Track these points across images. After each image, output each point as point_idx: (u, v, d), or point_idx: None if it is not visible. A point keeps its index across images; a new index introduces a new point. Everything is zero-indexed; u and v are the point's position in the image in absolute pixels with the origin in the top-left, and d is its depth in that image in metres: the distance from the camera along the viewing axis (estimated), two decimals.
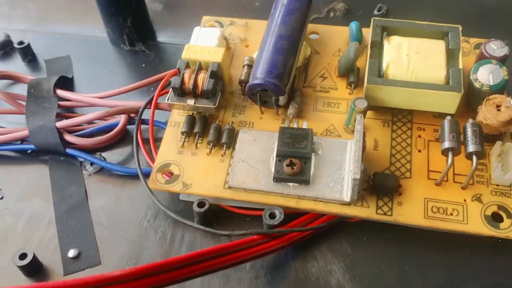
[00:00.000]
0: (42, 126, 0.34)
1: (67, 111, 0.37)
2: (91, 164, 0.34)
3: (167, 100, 0.32)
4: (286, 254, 0.30)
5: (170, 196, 0.32)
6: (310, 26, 0.36)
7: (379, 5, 0.41)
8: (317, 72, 0.35)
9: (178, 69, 0.32)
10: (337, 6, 0.41)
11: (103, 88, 0.39)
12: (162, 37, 0.43)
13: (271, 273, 0.29)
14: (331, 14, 0.41)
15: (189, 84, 0.31)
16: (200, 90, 0.31)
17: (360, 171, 0.27)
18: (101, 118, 0.33)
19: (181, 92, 0.31)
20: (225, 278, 0.29)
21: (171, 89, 0.32)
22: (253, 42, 0.36)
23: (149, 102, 0.34)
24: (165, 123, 0.34)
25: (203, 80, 0.31)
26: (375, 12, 0.41)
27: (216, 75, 0.32)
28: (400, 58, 0.31)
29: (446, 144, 0.28)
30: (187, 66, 0.32)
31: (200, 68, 0.32)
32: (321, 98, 0.33)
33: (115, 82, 0.40)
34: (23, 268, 0.29)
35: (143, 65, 0.40)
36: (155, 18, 0.43)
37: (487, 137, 0.30)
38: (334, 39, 0.36)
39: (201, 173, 0.30)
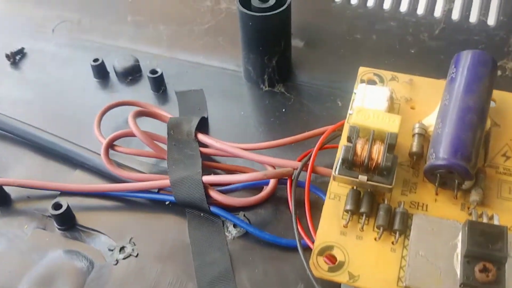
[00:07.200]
0: (186, 178, 0.31)
1: (204, 158, 0.34)
2: (234, 226, 0.31)
3: (335, 172, 0.28)
4: None
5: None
6: None
7: None
8: (498, 149, 0.30)
9: (349, 137, 0.28)
10: (507, 65, 0.36)
11: (238, 132, 0.36)
12: (301, 77, 0.39)
13: None
14: (499, 72, 0.36)
15: (362, 156, 0.27)
16: (374, 165, 0.27)
17: None
18: (257, 180, 0.30)
19: (352, 165, 0.28)
20: None
21: (339, 160, 0.28)
22: (420, 104, 0.32)
23: (305, 164, 0.30)
24: (320, 190, 0.31)
25: (379, 154, 0.27)
26: None
27: (393, 148, 0.28)
28: None
29: None
30: (359, 134, 0.28)
31: (374, 138, 0.28)
32: (505, 183, 0.29)
33: (253, 127, 0.37)
34: None
35: (283, 109, 0.37)
36: (295, 56, 0.40)
37: None
38: None
39: (369, 263, 0.26)
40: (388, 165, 0.27)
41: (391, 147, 0.27)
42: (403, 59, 0.38)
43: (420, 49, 0.39)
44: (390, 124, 0.28)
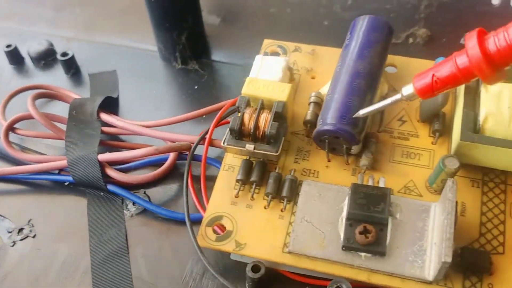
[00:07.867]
0: (82, 157, 0.30)
1: (110, 138, 0.34)
2: (134, 203, 0.30)
3: (223, 143, 0.28)
4: None
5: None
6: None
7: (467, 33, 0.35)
8: (394, 114, 0.30)
9: (238, 107, 0.28)
10: (418, 32, 0.36)
11: (150, 111, 0.36)
12: (217, 55, 0.39)
13: None
14: (410, 40, 0.36)
15: (249, 126, 0.27)
16: (261, 133, 0.27)
17: (452, 253, 0.23)
18: (150, 155, 0.30)
19: (240, 135, 0.27)
20: None
21: (228, 130, 0.28)
22: (321, 73, 0.32)
23: (202, 138, 0.30)
24: (218, 161, 0.31)
25: (266, 122, 0.27)
26: (462, 41, 0.35)
27: (281, 116, 0.27)
28: (500, 110, 0.26)
29: None
30: (248, 104, 0.28)
31: (262, 107, 0.28)
32: (398, 147, 0.29)
33: (164, 105, 0.36)
34: None
35: (196, 87, 0.37)
36: (211, 32, 0.40)
37: None
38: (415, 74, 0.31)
39: (257, 231, 0.26)
40: (273, 132, 0.27)
41: (277, 116, 0.27)
42: (316, 32, 0.38)
43: (334, 21, 0.38)
44: (279, 93, 0.28)
